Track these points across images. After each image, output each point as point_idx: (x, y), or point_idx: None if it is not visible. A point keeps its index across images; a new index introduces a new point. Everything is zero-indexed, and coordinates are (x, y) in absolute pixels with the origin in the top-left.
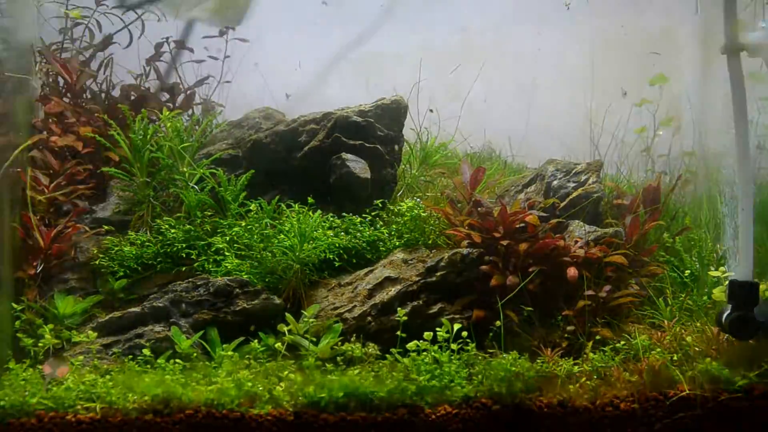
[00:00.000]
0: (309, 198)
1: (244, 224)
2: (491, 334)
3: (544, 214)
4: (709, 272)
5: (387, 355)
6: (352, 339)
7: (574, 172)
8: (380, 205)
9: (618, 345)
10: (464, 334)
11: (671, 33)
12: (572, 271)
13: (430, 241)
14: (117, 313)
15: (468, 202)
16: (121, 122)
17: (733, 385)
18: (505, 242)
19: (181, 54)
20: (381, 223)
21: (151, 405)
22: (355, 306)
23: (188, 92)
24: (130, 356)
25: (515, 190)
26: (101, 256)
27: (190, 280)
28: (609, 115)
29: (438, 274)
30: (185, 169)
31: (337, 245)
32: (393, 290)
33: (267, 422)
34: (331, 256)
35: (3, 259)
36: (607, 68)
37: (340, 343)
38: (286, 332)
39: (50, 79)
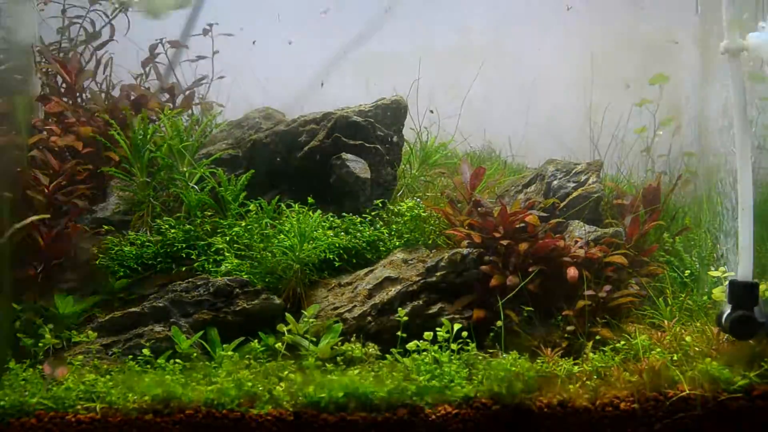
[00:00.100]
0: (309, 198)
1: (244, 224)
2: (492, 334)
3: (544, 214)
4: (709, 272)
5: (387, 355)
6: (353, 339)
7: (574, 172)
8: (380, 205)
9: (618, 345)
10: (464, 334)
11: (671, 33)
12: (572, 271)
13: (430, 241)
14: (117, 313)
15: (468, 202)
16: (121, 122)
17: (733, 385)
18: (505, 242)
19: (180, 53)
20: (381, 223)
21: (151, 405)
22: (355, 306)
23: (187, 92)
24: (130, 356)
25: (515, 190)
26: (101, 256)
27: (190, 280)
28: (609, 114)
29: (438, 274)
30: (185, 169)
31: (337, 245)
32: (393, 290)
33: (267, 422)
34: (331, 256)
35: (3, 259)
36: (607, 68)
37: (340, 343)
38: (286, 332)
39: (50, 79)
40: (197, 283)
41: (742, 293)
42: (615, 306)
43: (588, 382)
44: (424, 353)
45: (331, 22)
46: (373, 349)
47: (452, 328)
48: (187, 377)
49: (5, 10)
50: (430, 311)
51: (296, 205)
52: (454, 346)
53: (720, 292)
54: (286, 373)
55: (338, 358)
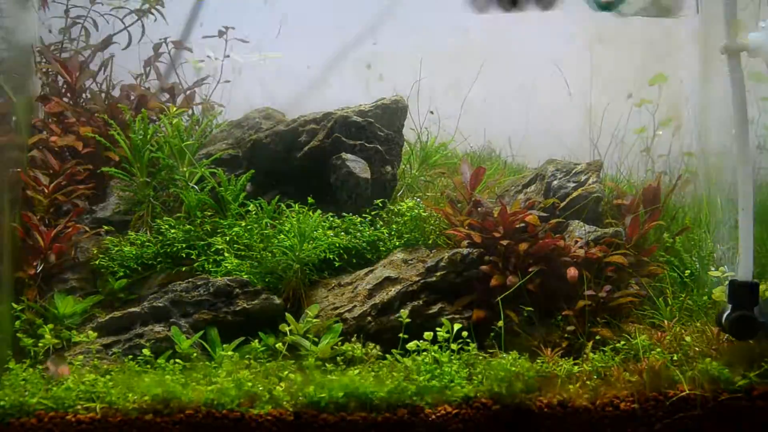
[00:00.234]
0: (309, 198)
1: (244, 224)
2: (492, 334)
3: (544, 214)
4: (709, 272)
5: (387, 356)
6: (353, 339)
7: (574, 172)
8: (380, 205)
9: (618, 345)
10: (464, 334)
11: (671, 33)
12: (572, 271)
13: (430, 241)
14: (117, 313)
15: (468, 202)
16: (121, 122)
17: (733, 385)
18: (505, 242)
19: (181, 54)
20: (381, 223)
21: (151, 405)
22: (355, 306)
23: (188, 92)
24: (130, 356)
25: (515, 190)
26: (101, 256)
27: (190, 280)
28: (609, 114)
29: (438, 274)
30: (185, 169)
31: (337, 245)
32: (393, 290)
33: (267, 422)
34: (331, 256)
35: (3, 259)
36: (607, 68)
37: (340, 343)
38: (287, 332)
39: (50, 79)
40: (197, 283)
41: (742, 293)
42: (615, 306)
43: (588, 382)
44: (424, 353)
45: (331, 22)
46: (374, 349)
47: (452, 328)
48: (187, 377)
49: (5, 10)
50: (430, 311)
51: (296, 205)
52: (454, 346)
53: (720, 292)
54: (286, 373)
55: (338, 358)
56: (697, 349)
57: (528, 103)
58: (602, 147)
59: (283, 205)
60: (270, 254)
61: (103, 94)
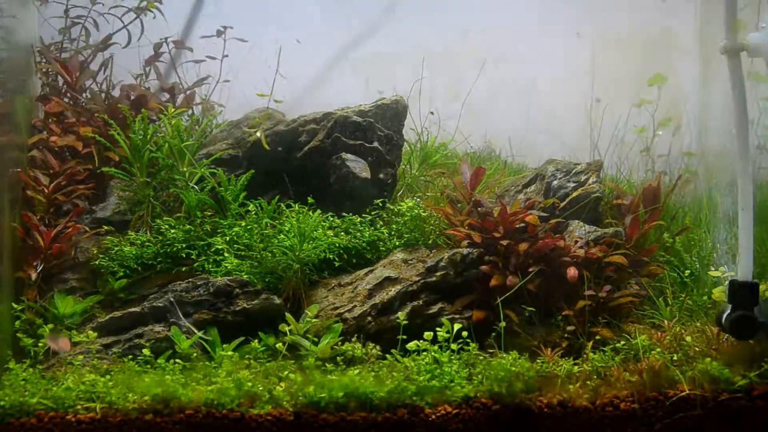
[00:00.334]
0: (309, 198)
1: (243, 224)
2: (493, 334)
3: (544, 214)
4: (709, 272)
5: (387, 356)
6: (353, 339)
7: (574, 172)
8: (380, 205)
9: (618, 345)
10: (464, 334)
11: (671, 33)
12: (572, 271)
13: (430, 241)
14: (117, 313)
15: (468, 202)
16: (121, 122)
17: (733, 385)
18: (505, 242)
19: (181, 54)
20: (381, 223)
21: (151, 405)
22: (355, 306)
23: (188, 92)
24: (130, 356)
25: (515, 190)
26: (101, 256)
27: (190, 280)
28: (609, 114)
29: (438, 274)
30: (185, 169)
31: (337, 245)
32: (393, 290)
33: (267, 422)
34: (331, 256)
35: (3, 259)
36: (607, 68)
37: (340, 343)
38: (287, 332)
39: (50, 79)
40: (197, 283)
41: (742, 293)
42: (615, 306)
43: (588, 382)
44: (424, 353)
45: (332, 22)
46: (374, 349)
47: (452, 328)
48: (187, 377)
49: (5, 10)
50: (430, 311)
51: (296, 205)
52: (454, 346)
53: (720, 292)
54: (286, 373)
55: (338, 358)
56: (697, 349)
57: (528, 103)
58: (602, 147)
59: (283, 205)
60: (270, 254)
61: (103, 94)
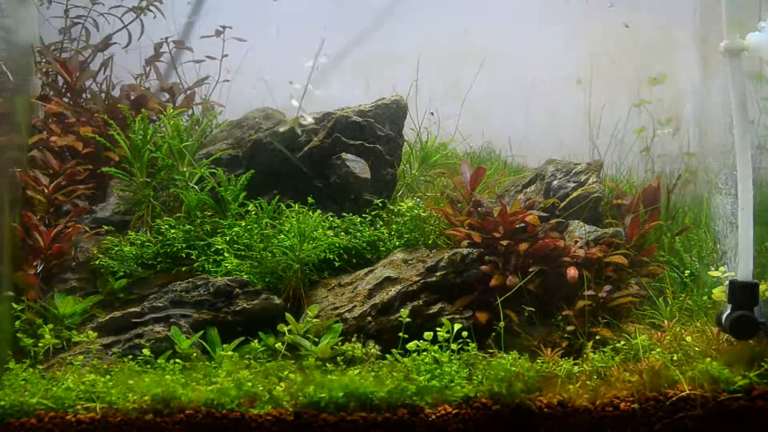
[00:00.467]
0: (309, 198)
1: (244, 224)
2: (494, 334)
3: (544, 214)
4: (709, 272)
5: (387, 355)
6: (353, 339)
7: (574, 172)
8: (380, 205)
9: (618, 345)
10: (464, 334)
11: (671, 33)
12: (572, 271)
13: (430, 241)
14: (117, 313)
15: (468, 202)
16: (121, 122)
17: (733, 385)
18: (505, 242)
19: (181, 54)
20: (381, 223)
21: (151, 405)
22: (355, 306)
23: (188, 92)
24: (130, 356)
25: (515, 190)
26: (101, 256)
27: (190, 280)
28: (608, 115)
29: (438, 274)
30: (185, 169)
31: (337, 245)
32: (393, 290)
33: (267, 422)
34: (331, 256)
35: (3, 259)
36: (607, 68)
37: (340, 343)
38: (287, 332)
39: (50, 79)
40: (197, 283)
41: (742, 293)
42: (615, 306)
43: (588, 382)
44: (424, 353)
45: (331, 22)
46: (374, 349)
47: (452, 328)
48: (187, 377)
49: (5, 9)
50: (430, 311)
51: (296, 205)
52: (454, 346)
53: (720, 292)
54: (286, 373)
55: (338, 358)
56: (697, 349)
57: (528, 103)
58: (602, 147)
59: (283, 205)
60: (270, 254)
61: (103, 94)
